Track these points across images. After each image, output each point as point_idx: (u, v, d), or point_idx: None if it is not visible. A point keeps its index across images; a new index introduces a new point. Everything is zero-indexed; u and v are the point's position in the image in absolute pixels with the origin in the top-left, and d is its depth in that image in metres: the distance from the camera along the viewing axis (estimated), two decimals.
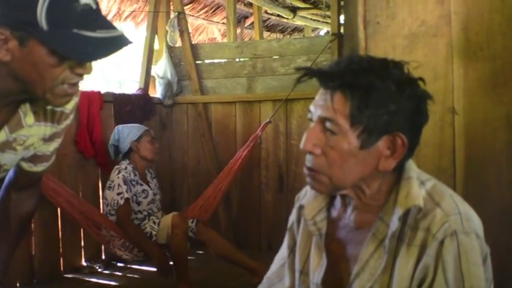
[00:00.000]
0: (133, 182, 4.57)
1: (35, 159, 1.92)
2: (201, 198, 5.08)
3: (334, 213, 1.57)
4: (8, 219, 2.05)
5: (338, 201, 1.57)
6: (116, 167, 4.63)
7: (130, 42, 1.53)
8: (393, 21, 2.87)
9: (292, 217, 1.72)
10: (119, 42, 1.53)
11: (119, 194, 4.46)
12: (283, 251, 1.74)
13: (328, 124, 1.40)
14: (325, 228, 1.55)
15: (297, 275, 1.63)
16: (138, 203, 4.57)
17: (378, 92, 1.37)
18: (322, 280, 1.53)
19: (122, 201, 4.43)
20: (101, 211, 4.78)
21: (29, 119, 1.76)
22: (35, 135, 1.82)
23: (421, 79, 1.45)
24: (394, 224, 1.40)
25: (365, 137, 1.38)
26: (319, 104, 1.43)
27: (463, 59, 2.74)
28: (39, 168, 1.97)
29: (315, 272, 1.54)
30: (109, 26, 1.53)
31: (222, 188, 5.08)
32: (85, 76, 1.60)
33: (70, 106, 1.87)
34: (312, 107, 1.45)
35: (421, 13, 2.83)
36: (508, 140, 2.66)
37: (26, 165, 1.93)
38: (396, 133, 1.40)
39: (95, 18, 1.51)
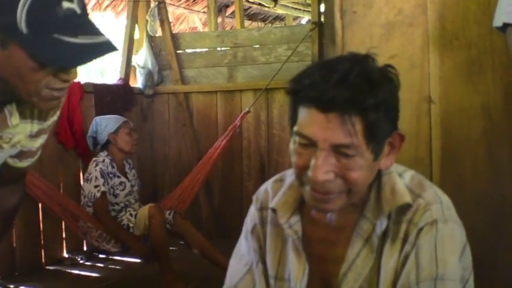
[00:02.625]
0: (110, 175, 4.57)
1: (20, 155, 1.90)
2: (179, 188, 5.09)
3: (311, 213, 1.51)
4: None
5: None
6: (94, 159, 4.62)
7: (115, 49, 1.48)
8: (370, 10, 2.87)
9: (254, 219, 1.62)
10: (102, 48, 1.49)
11: (96, 186, 4.46)
12: (242, 258, 1.63)
13: (344, 150, 1.30)
14: (300, 231, 1.49)
15: (271, 281, 1.55)
16: (115, 196, 4.57)
17: (386, 102, 1.32)
18: (306, 286, 1.48)
19: (98, 194, 4.43)
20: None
21: (15, 118, 1.73)
22: (21, 132, 1.80)
23: (390, 66, 1.39)
24: (382, 223, 1.39)
25: (377, 148, 1.34)
26: (326, 128, 1.30)
27: (438, 48, 2.75)
28: (24, 164, 1.95)
29: (297, 279, 1.48)
30: (93, 31, 1.49)
31: (201, 178, 5.10)
32: (70, 81, 1.56)
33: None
34: (308, 133, 1.32)
35: (397, 2, 2.83)
36: (483, 128, 2.67)
37: (11, 161, 1.91)
38: (395, 131, 1.39)
39: (79, 23, 1.47)
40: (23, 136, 1.81)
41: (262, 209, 1.61)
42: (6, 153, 1.83)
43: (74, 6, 1.46)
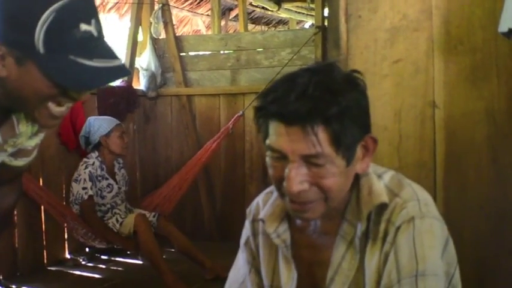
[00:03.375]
0: (99, 178, 4.63)
1: (16, 153, 1.89)
2: (166, 187, 5.15)
3: (297, 222, 1.52)
4: None
5: None
6: (84, 160, 4.66)
7: (128, 73, 1.50)
8: (375, 14, 2.88)
9: (247, 232, 1.66)
10: (116, 72, 1.52)
11: (83, 188, 4.53)
12: (239, 269, 1.67)
13: (313, 160, 1.32)
14: (289, 239, 1.51)
15: None
16: (103, 197, 4.63)
17: (350, 109, 1.32)
18: None
19: (85, 197, 4.52)
20: None
21: (22, 126, 1.75)
22: (24, 136, 1.81)
23: (356, 71, 1.40)
24: (362, 224, 1.40)
25: (348, 154, 1.34)
26: (293, 140, 1.32)
27: (443, 53, 2.76)
28: (20, 162, 1.94)
29: (286, 285, 1.50)
30: (109, 55, 1.50)
31: (189, 179, 5.16)
32: (79, 100, 1.58)
33: None
34: (279, 145, 1.34)
35: (402, 7, 2.84)
36: (487, 133, 2.68)
37: (7, 160, 1.90)
38: (367, 135, 1.39)
39: (95, 46, 1.48)
40: (25, 138, 1.83)
41: (254, 221, 1.64)
42: (6, 154, 1.84)
43: (92, 29, 1.48)
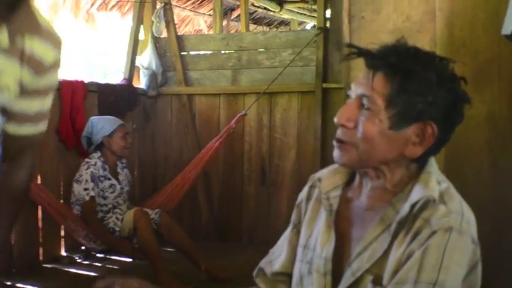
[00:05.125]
0: (101, 178, 4.59)
1: (17, 117, 1.78)
2: (170, 186, 5.13)
3: (349, 193, 1.58)
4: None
5: (355, 183, 1.59)
6: (86, 160, 4.63)
7: None
8: (378, 16, 2.88)
9: (303, 195, 1.72)
10: None
11: (85, 189, 4.49)
12: (289, 228, 1.75)
13: (364, 100, 1.44)
14: (336, 206, 1.56)
15: (300, 249, 1.63)
16: (105, 198, 4.60)
17: (418, 79, 1.41)
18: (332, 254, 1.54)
19: (87, 198, 4.47)
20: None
21: (3, 37, 1.58)
22: (9, 73, 1.66)
23: (464, 78, 1.48)
24: (405, 210, 1.41)
25: (396, 120, 1.43)
26: (360, 81, 1.47)
27: (446, 55, 2.74)
28: (25, 129, 1.82)
29: (323, 246, 1.54)
30: None
31: (191, 177, 5.13)
32: None
33: (50, 58, 1.71)
34: (352, 85, 1.50)
35: (406, 9, 2.83)
36: (488, 137, 2.67)
37: (11, 129, 1.80)
38: (428, 122, 1.43)
39: None
40: (12, 80, 1.68)
41: (312, 186, 1.69)
42: None
43: None
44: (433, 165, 1.50)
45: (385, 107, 1.42)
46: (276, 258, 1.72)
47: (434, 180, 1.45)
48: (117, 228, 4.45)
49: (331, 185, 1.60)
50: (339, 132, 1.49)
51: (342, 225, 1.54)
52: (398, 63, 1.42)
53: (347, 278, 1.45)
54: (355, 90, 1.48)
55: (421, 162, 1.49)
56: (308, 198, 1.69)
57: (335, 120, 1.48)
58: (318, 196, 1.63)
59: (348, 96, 1.51)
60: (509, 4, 2.43)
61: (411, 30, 2.77)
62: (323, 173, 1.65)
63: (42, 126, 1.86)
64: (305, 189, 1.72)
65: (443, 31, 2.73)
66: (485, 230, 2.67)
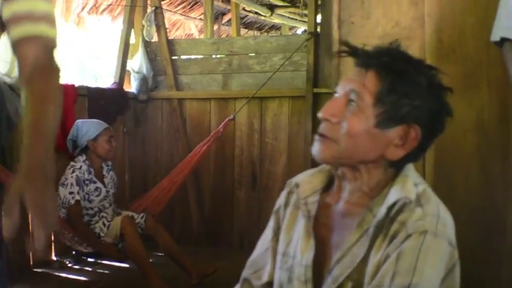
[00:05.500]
0: (86, 182, 4.57)
1: (11, 21, 1.61)
2: (156, 189, 5.12)
3: (327, 199, 1.57)
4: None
5: (334, 188, 1.57)
6: (72, 164, 4.60)
7: None
8: (367, 21, 2.88)
9: (281, 200, 1.70)
10: None
11: (70, 193, 4.46)
12: (267, 234, 1.72)
13: (353, 95, 1.44)
14: (314, 211, 1.55)
15: (279, 257, 1.61)
16: (90, 201, 4.58)
17: (409, 81, 1.43)
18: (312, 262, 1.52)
19: (72, 202, 4.44)
20: None
21: None
22: None
23: (450, 89, 1.49)
24: (381, 213, 1.41)
25: (383, 118, 1.43)
26: (351, 78, 1.48)
27: (435, 61, 2.76)
28: (24, 29, 1.60)
29: (303, 253, 1.52)
30: None
31: (178, 181, 5.13)
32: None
33: None
34: (341, 82, 1.50)
35: (395, 14, 2.84)
36: (477, 142, 2.68)
37: (11, 33, 1.62)
38: (413, 125, 1.44)
39: None
40: None
41: (290, 192, 1.68)
42: None
43: None
44: (410, 169, 1.50)
45: (373, 104, 1.43)
46: (261, 269, 1.69)
47: (411, 183, 1.45)
48: (102, 234, 4.43)
49: (310, 190, 1.59)
50: (322, 127, 1.48)
51: (321, 232, 1.53)
52: (392, 63, 1.43)
53: (328, 285, 1.45)
54: (343, 87, 1.49)
55: (398, 167, 1.48)
56: (286, 204, 1.67)
57: (319, 114, 1.48)
58: (296, 202, 1.62)
59: (335, 93, 1.51)
60: (498, 10, 2.44)
61: (400, 36, 2.78)
62: (301, 178, 1.64)
63: (44, 28, 1.64)
64: (283, 195, 1.70)
65: (432, 37, 2.75)
66: (475, 234, 2.69)
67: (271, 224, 1.71)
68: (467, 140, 2.69)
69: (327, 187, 1.59)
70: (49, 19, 1.65)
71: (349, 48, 1.51)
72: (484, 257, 2.63)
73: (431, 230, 1.36)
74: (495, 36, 2.42)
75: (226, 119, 5.32)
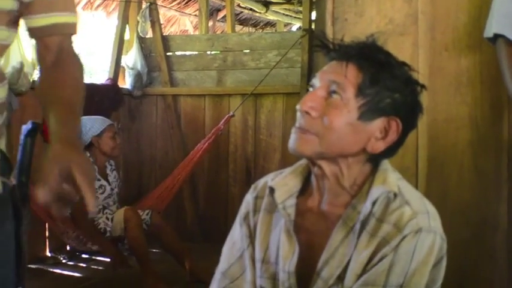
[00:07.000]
0: None
1: (28, 10, 1.60)
2: (159, 188, 5.10)
3: (305, 201, 1.54)
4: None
5: (312, 190, 1.54)
6: None
7: None
8: (361, 18, 2.88)
9: (248, 207, 1.64)
10: None
11: None
12: (235, 244, 1.65)
13: (334, 87, 1.42)
14: (293, 215, 1.52)
15: (258, 265, 1.57)
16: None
17: (390, 74, 1.42)
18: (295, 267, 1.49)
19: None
20: None
21: None
22: None
23: (424, 86, 1.49)
24: (367, 208, 1.40)
25: (364, 111, 1.42)
26: (329, 70, 1.45)
27: (428, 59, 2.76)
28: (42, 20, 1.61)
29: (286, 259, 1.49)
30: None
31: (181, 178, 5.11)
32: None
33: None
34: (319, 74, 1.47)
35: (389, 11, 2.84)
36: (470, 139, 2.69)
37: (28, 24, 1.62)
38: (393, 118, 1.43)
39: None
40: None
41: (257, 197, 1.63)
42: None
43: None
44: (386, 163, 1.49)
45: (355, 95, 1.41)
46: (238, 278, 1.62)
47: (392, 176, 1.45)
48: (108, 228, 4.38)
49: (286, 193, 1.54)
50: (302, 121, 1.44)
51: (302, 236, 1.50)
52: (373, 55, 1.43)
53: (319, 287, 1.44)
54: (322, 79, 1.45)
55: (376, 163, 1.48)
56: (255, 210, 1.62)
57: (298, 107, 1.44)
58: (269, 207, 1.58)
59: (311, 86, 1.48)
60: (491, 6, 2.45)
61: (394, 33, 2.79)
62: (275, 181, 1.57)
63: (68, 16, 1.66)
64: (250, 201, 1.65)
65: (425, 34, 2.75)
66: (467, 231, 2.70)
67: (242, 231, 1.64)
68: (460, 136, 2.70)
69: (302, 189, 1.56)
70: (70, 6, 1.68)
71: (323, 42, 1.50)
72: (476, 254, 2.63)
73: (426, 227, 1.37)
74: (488, 32, 2.42)
75: (227, 116, 5.30)
